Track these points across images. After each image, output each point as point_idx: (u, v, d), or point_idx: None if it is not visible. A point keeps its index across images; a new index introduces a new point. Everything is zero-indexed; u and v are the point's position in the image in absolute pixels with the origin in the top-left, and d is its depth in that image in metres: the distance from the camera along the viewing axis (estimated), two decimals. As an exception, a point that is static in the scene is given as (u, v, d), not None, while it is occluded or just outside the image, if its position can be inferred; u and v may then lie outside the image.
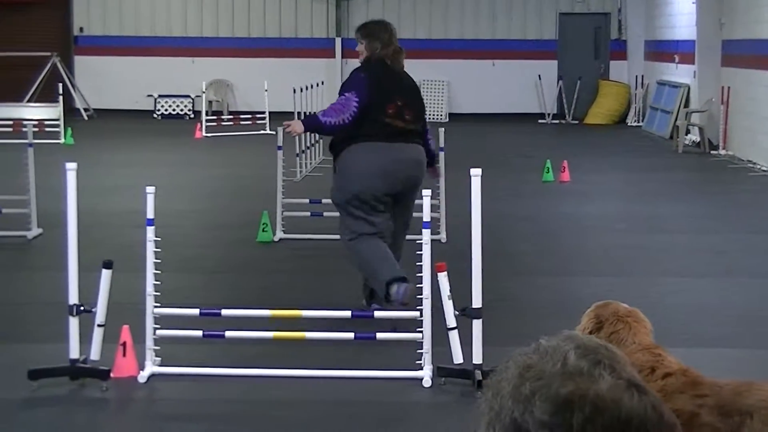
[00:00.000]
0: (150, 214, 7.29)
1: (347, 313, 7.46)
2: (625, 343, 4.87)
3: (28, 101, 29.27)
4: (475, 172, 7.16)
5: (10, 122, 22.82)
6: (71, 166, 7.20)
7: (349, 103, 8.79)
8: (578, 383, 1.58)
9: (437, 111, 30.44)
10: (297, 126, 9.29)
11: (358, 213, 8.75)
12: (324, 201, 12.75)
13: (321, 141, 19.73)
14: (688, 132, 22.61)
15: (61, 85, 24.92)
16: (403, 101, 8.95)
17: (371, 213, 8.74)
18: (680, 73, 25.16)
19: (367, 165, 8.70)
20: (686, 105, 23.96)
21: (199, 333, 7.41)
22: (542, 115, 29.92)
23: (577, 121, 29.30)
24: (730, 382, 4.53)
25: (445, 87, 30.58)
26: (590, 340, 1.68)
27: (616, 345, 4.07)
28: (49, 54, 29.83)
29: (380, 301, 8.54)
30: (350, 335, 7.44)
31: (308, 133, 17.64)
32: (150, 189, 7.34)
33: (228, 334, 7.43)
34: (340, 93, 8.97)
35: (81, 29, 30.93)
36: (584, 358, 1.62)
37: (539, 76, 30.33)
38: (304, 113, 17.85)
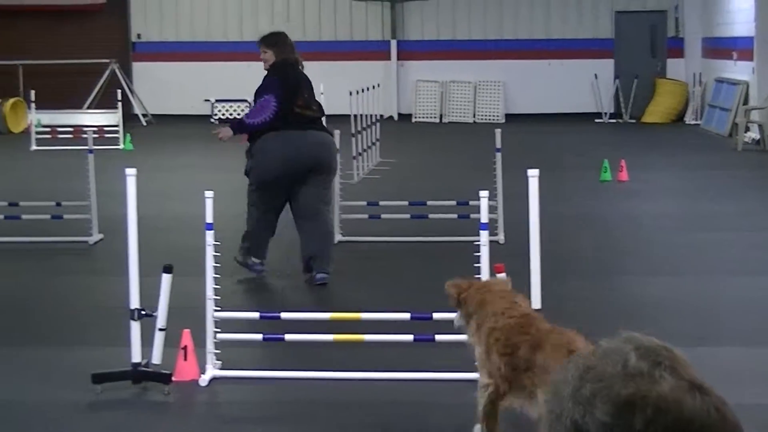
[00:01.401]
0: (209, 219, 7.35)
1: (406, 316, 7.48)
2: (492, 290, 6.18)
3: (88, 108, 29.57)
4: (533, 173, 7.15)
5: (71, 129, 23.06)
6: (131, 172, 7.27)
7: (269, 104, 10.35)
8: (639, 385, 1.59)
9: (493, 111, 30.38)
10: (225, 131, 10.78)
11: (262, 191, 10.36)
12: (382, 203, 12.81)
13: (378, 143, 19.78)
14: (747, 129, 22.41)
15: (119, 91, 25.13)
16: (308, 94, 10.61)
17: (272, 194, 10.32)
18: (739, 70, 24.95)
19: (280, 150, 10.20)
20: (745, 102, 23.75)
21: (259, 336, 7.46)
22: (599, 115, 29.77)
23: (634, 120, 29.12)
24: (556, 328, 5.92)
25: (501, 87, 30.51)
26: (650, 341, 1.69)
27: (484, 290, 5.55)
28: (107, 61, 30.11)
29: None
30: (409, 337, 7.46)
31: (362, 136, 17.72)
32: (209, 194, 7.40)
33: (288, 336, 7.47)
34: (258, 96, 10.53)
35: (138, 36, 31.18)
36: (645, 360, 1.63)
37: (595, 75, 30.18)
38: (360, 116, 17.89)
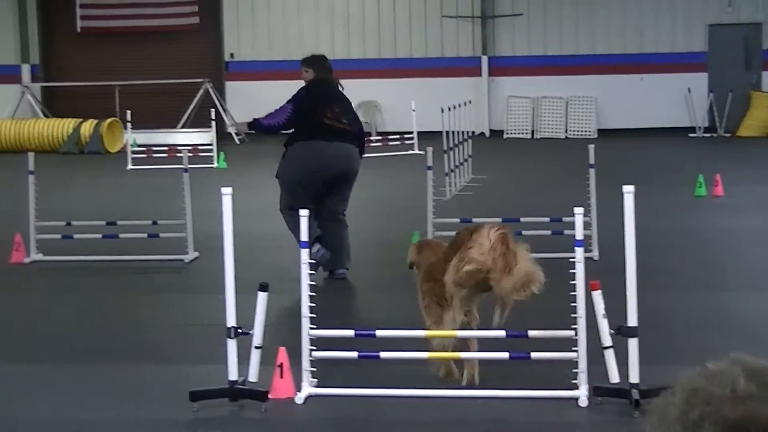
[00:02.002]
0: (304, 237, 7.39)
1: (502, 333, 7.45)
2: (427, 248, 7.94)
3: (182, 127, 29.93)
4: (628, 189, 7.08)
5: (166, 148, 23.35)
6: (227, 191, 7.34)
7: (285, 110, 11.42)
8: (749, 407, 1.57)
9: (585, 127, 30.21)
10: (242, 126, 12.12)
11: (289, 194, 11.35)
12: (475, 220, 12.77)
13: (469, 160, 19.75)
14: None
15: (213, 110, 25.39)
16: (339, 108, 11.53)
17: (299, 198, 11.04)
18: (836, 82, 24.56)
19: (307, 158, 11.22)
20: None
21: (354, 354, 7.48)
22: (693, 129, 29.45)
23: (729, 134, 28.76)
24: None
25: (593, 102, 30.32)
26: (758, 362, 1.67)
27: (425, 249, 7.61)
28: (201, 81, 30.47)
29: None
30: (505, 355, 7.43)
31: (453, 153, 17.70)
32: (303, 212, 7.44)
33: (383, 354, 7.48)
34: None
35: (231, 55, 31.51)
36: (753, 381, 1.61)
37: (689, 89, 29.88)
38: (452, 133, 17.87)
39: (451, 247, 7.55)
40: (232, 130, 11.61)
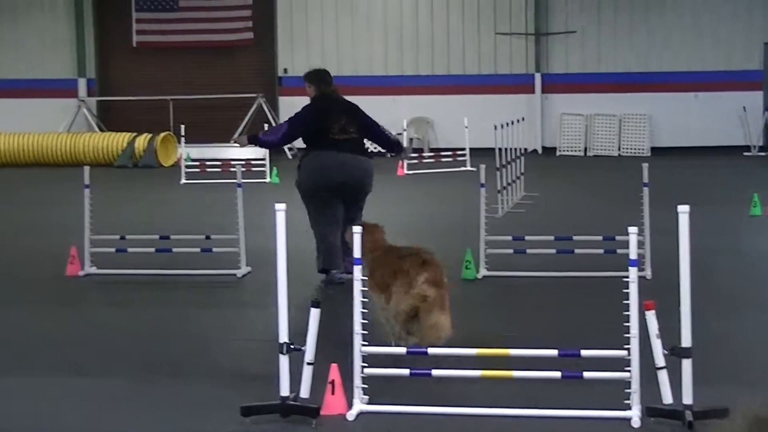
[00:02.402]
0: (357, 254, 7.39)
1: (554, 352, 7.41)
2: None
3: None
4: (683, 209, 7.03)
5: (219, 162, 23.48)
6: (280, 207, 7.35)
7: (281, 128, 12.41)
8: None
9: (638, 144, 30.07)
10: (242, 140, 12.82)
11: (307, 201, 12.07)
12: (527, 238, 12.75)
13: (522, 177, 19.70)
14: None
15: (266, 125, 25.50)
16: (346, 120, 12.07)
17: (317, 205, 11.98)
18: None
19: (311, 169, 11.96)
20: None
21: (406, 371, 7.47)
22: (748, 148, 29.24)
23: (784, 153, 28.55)
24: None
25: (647, 120, 30.18)
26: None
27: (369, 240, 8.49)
28: (254, 95, 30.63)
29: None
30: (557, 374, 7.39)
31: (506, 170, 17.68)
32: (356, 229, 7.45)
33: (435, 372, 7.46)
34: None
35: (285, 70, 31.66)
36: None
37: (744, 107, 29.67)
38: (505, 149, 17.84)
39: (400, 258, 9.03)
40: (234, 144, 11.94)
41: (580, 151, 30.40)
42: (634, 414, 7.04)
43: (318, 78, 12.44)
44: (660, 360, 6.99)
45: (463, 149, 25.40)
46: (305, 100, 12.54)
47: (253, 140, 12.54)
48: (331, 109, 12.13)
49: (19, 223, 17.83)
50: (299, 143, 12.49)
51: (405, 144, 13.54)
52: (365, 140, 12.35)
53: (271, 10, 31.74)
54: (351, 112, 12.23)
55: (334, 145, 11.91)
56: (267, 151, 24.22)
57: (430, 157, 25.83)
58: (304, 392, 7.23)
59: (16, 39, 32.26)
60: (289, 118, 12.29)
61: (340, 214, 12.00)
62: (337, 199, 11.95)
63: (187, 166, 23.94)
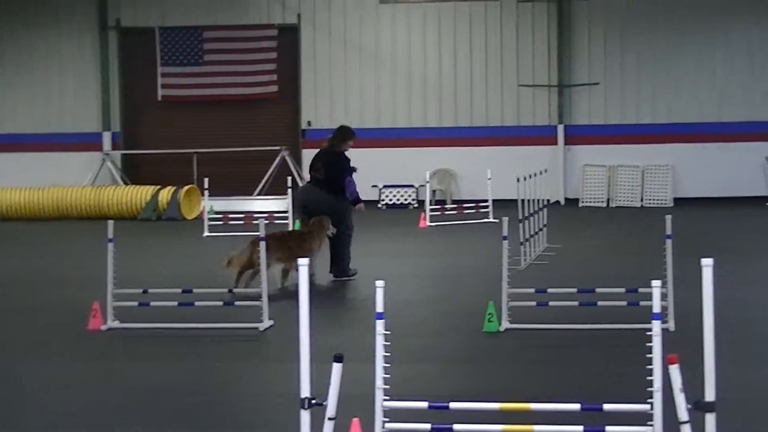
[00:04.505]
0: (379, 308, 7.38)
1: (576, 406, 7.37)
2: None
3: (259, 194, 30.18)
4: (707, 263, 7.00)
5: (242, 215, 23.53)
6: (303, 262, 7.35)
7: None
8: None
9: (661, 195, 30.03)
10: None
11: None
12: (549, 290, 12.72)
13: (545, 229, 19.68)
14: None
15: (290, 178, 25.57)
16: (320, 164, 16.52)
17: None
18: None
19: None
20: None
21: (428, 426, 7.43)
22: (771, 198, 29.18)
23: (807, 203, 28.46)
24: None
25: (670, 171, 30.16)
26: None
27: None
28: (278, 148, 30.76)
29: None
30: (580, 428, 7.34)
31: (529, 222, 17.65)
32: (379, 283, 7.44)
33: (456, 427, 7.42)
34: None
35: (309, 123, 31.79)
36: None
37: (766, 157, 29.64)
38: (528, 201, 17.82)
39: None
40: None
41: (602, 202, 30.37)
42: (658, 469, 6.97)
43: (333, 134, 16.85)
44: (683, 414, 6.94)
45: (486, 201, 25.42)
46: None
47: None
48: (318, 157, 16.73)
49: (42, 276, 17.89)
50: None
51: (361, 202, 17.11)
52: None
53: (295, 63, 31.92)
54: (326, 160, 16.53)
55: (312, 180, 16.70)
56: (290, 203, 24.30)
57: (452, 209, 25.85)
58: (337, 447, 7.20)
59: (43, 92, 32.53)
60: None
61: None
62: (307, 216, 16.41)
63: (211, 219, 24.00)
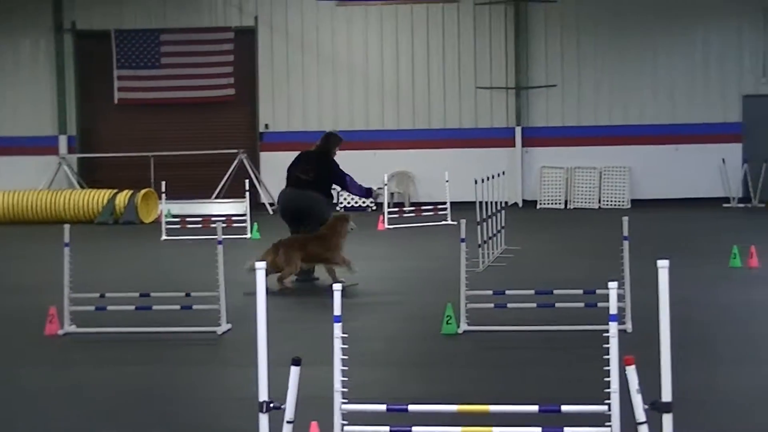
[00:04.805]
0: (337, 311, 7.37)
1: (534, 408, 7.38)
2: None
3: (216, 198, 30.09)
4: (662, 264, 7.04)
5: (200, 218, 23.46)
6: (260, 265, 7.33)
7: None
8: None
9: (619, 197, 30.17)
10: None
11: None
12: (508, 292, 12.74)
13: (503, 231, 19.72)
14: None
15: (247, 181, 25.52)
16: (308, 166, 16.44)
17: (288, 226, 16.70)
18: None
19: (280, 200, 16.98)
20: None
21: (386, 429, 7.42)
22: (727, 199, 29.38)
23: (764, 204, 28.67)
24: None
25: (627, 173, 30.31)
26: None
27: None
28: (235, 151, 30.68)
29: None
30: (538, 430, 7.35)
31: (487, 224, 17.68)
32: (337, 286, 7.43)
33: (415, 429, 7.42)
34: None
35: (266, 126, 31.73)
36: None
37: (723, 159, 29.84)
38: (486, 203, 17.87)
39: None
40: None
41: (560, 204, 30.50)
42: (616, 469, 7.00)
43: (320, 140, 16.96)
44: (641, 415, 6.97)
45: (444, 203, 25.45)
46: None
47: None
48: (300, 158, 16.73)
49: (-2, 281, 17.76)
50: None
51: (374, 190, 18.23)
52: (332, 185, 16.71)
53: (252, 65, 31.87)
54: (312, 161, 16.51)
55: (295, 183, 16.45)
56: (248, 206, 24.23)
57: (410, 211, 25.87)
58: (284, 451, 7.18)
59: (-3, 96, 32.33)
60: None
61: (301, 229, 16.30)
62: (288, 219, 16.62)
63: (168, 223, 23.90)
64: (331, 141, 16.85)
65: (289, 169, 16.52)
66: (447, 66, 31.39)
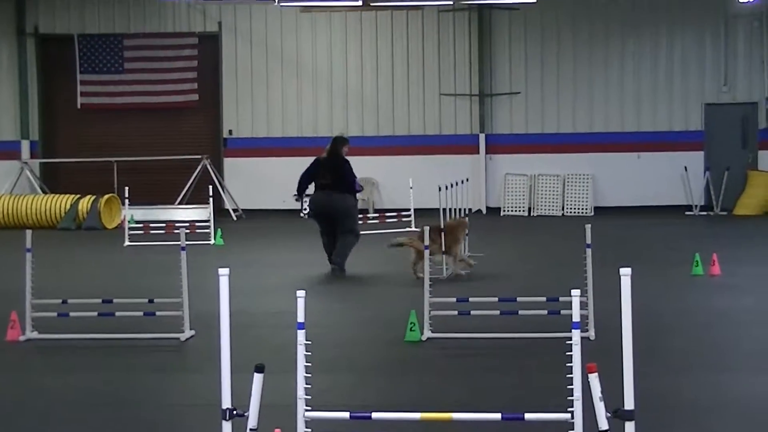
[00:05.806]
0: (300, 318, 7.36)
1: (497, 416, 7.40)
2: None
3: (180, 203, 29.99)
4: (625, 272, 7.07)
5: (163, 224, 23.36)
6: (224, 272, 7.32)
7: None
8: None
9: (582, 204, 30.29)
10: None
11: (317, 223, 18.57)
12: (471, 299, 12.76)
13: (466, 238, 19.75)
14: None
15: (211, 187, 25.44)
16: (325, 171, 18.18)
17: (319, 225, 18.54)
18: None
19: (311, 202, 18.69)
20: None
21: (350, 436, 7.43)
22: (689, 207, 29.54)
23: (725, 212, 28.85)
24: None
25: (590, 180, 30.43)
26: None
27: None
28: (199, 157, 30.59)
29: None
30: (501, 437, 7.38)
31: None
32: (300, 293, 7.42)
33: (378, 436, 7.43)
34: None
35: (230, 132, 31.66)
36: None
37: (685, 167, 30.01)
38: (450, 210, 17.90)
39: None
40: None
41: (524, 211, 30.58)
42: (579, 477, 7.02)
43: (331, 143, 18.62)
44: (603, 423, 7.00)
45: (408, 210, 25.47)
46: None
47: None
48: (318, 165, 18.38)
49: (-41, 286, 17.62)
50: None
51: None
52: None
53: (216, 71, 31.80)
54: (332, 168, 18.19)
55: (319, 187, 18.26)
56: (212, 212, 24.15)
57: (374, 218, 25.86)
58: (247, 458, 7.16)
59: (-41, 101, 32.11)
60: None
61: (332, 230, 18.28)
62: (321, 219, 18.31)
63: (131, 228, 23.80)
64: (338, 143, 18.44)
65: (303, 176, 18.45)
66: (411, 73, 31.42)
